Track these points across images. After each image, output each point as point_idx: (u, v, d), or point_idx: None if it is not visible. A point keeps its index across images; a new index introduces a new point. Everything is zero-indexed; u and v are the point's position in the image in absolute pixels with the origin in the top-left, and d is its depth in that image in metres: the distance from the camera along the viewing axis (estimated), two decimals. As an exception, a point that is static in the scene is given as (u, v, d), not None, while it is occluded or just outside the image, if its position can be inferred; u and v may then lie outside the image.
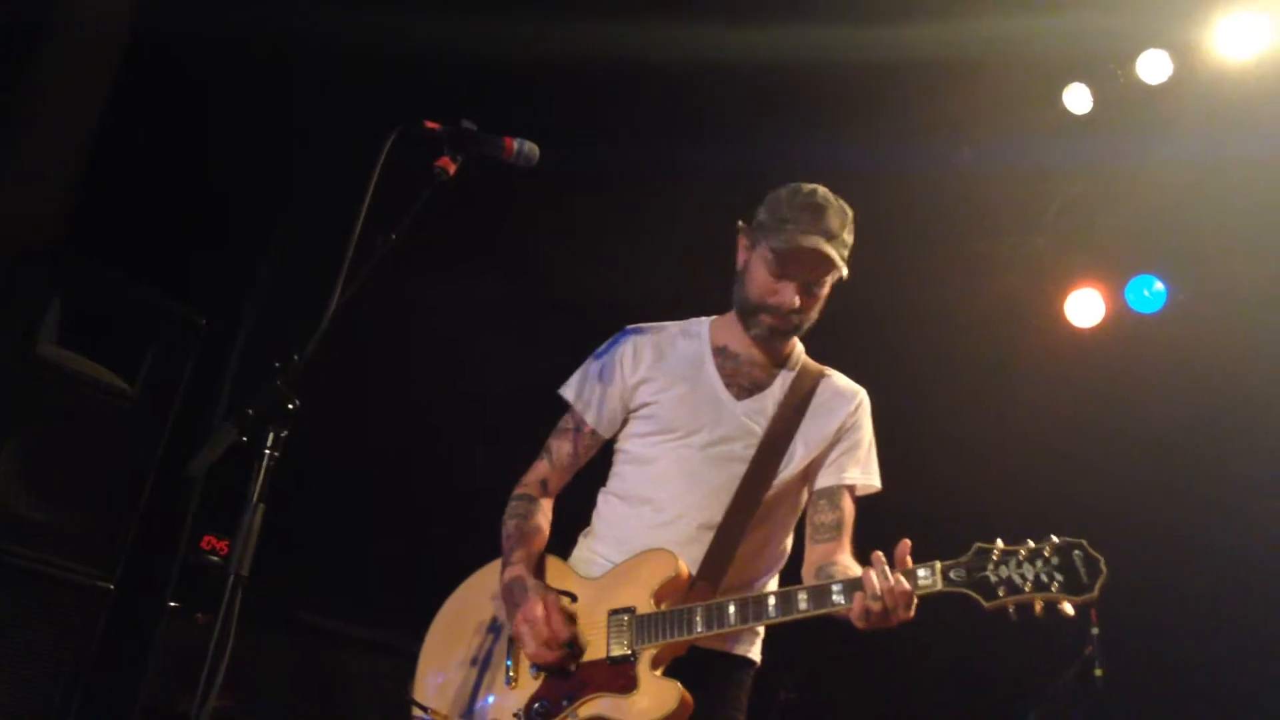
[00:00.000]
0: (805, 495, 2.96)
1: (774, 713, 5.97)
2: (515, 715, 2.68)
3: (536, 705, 2.67)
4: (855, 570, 2.64)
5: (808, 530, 2.92)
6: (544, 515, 2.98)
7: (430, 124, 2.51)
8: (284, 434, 2.13)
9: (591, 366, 3.05)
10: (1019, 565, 2.38)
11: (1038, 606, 2.35)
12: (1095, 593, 2.31)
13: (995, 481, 6.11)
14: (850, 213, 2.86)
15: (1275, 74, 5.19)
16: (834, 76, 5.19)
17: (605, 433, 3.02)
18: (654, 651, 2.61)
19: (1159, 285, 6.26)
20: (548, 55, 4.90)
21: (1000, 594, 2.38)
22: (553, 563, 2.91)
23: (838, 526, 2.86)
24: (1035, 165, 5.92)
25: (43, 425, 3.73)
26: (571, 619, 2.71)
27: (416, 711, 2.84)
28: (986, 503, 5.65)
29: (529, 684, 2.72)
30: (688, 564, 2.72)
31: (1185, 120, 5.51)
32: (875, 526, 2.91)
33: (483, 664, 2.83)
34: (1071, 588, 2.33)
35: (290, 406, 2.13)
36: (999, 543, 2.43)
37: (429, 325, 5.70)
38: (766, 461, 2.85)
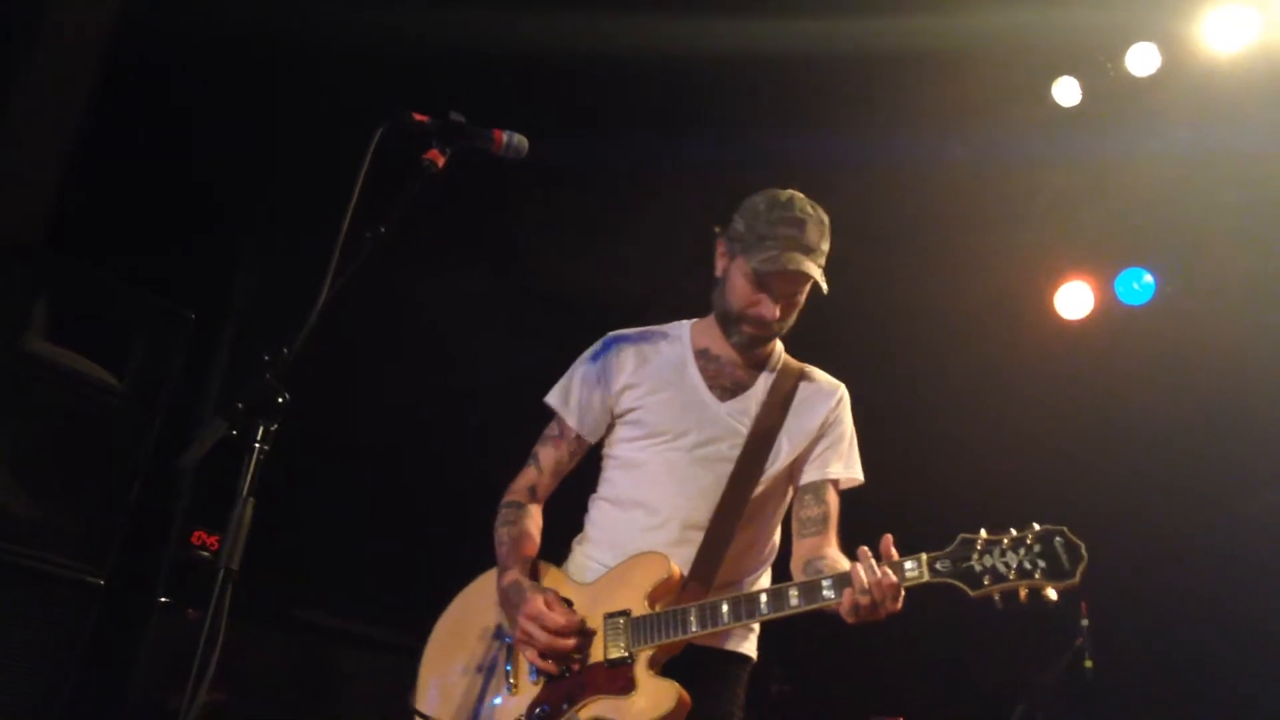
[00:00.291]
0: (791, 491, 3.00)
1: (766, 706, 5.98)
2: (517, 721, 2.71)
3: (537, 710, 2.70)
4: (843, 563, 2.67)
5: (794, 525, 2.96)
6: (534, 521, 3.02)
7: (419, 116, 2.50)
8: (273, 427, 2.13)
9: (576, 374, 3.09)
10: (1002, 554, 2.41)
11: (1022, 593, 2.38)
12: (1077, 578, 2.34)
13: (984, 474, 6.13)
14: (827, 220, 2.88)
15: (1263, 67, 5.21)
16: (822, 70, 5.19)
17: (590, 438, 3.06)
18: (650, 652, 2.64)
19: (1148, 278, 6.29)
20: (537, 47, 4.89)
21: (985, 583, 2.40)
22: (547, 570, 2.94)
23: (823, 520, 2.89)
24: (1024, 158, 5.92)
25: (31, 421, 3.70)
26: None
27: (419, 720, 2.85)
28: (976, 495, 5.66)
29: (529, 689, 2.74)
30: (680, 565, 2.75)
31: (1174, 113, 5.53)
32: (864, 519, 2.93)
33: (482, 671, 2.85)
34: (1054, 574, 2.36)
35: (279, 400, 2.13)
36: (982, 533, 2.46)
37: (418, 318, 5.70)
38: (753, 460, 2.88)
